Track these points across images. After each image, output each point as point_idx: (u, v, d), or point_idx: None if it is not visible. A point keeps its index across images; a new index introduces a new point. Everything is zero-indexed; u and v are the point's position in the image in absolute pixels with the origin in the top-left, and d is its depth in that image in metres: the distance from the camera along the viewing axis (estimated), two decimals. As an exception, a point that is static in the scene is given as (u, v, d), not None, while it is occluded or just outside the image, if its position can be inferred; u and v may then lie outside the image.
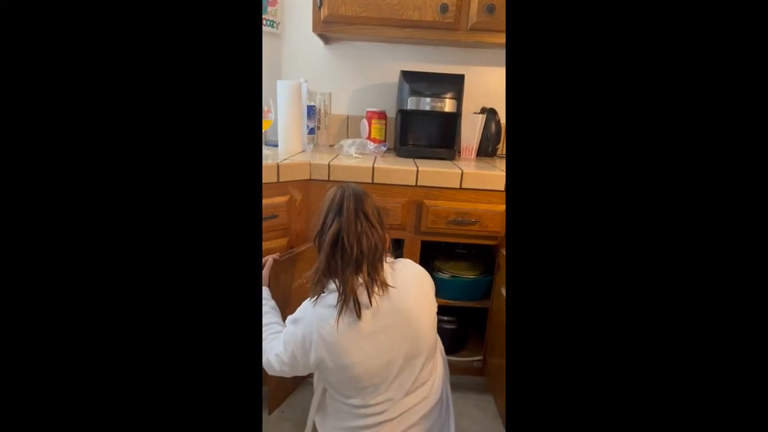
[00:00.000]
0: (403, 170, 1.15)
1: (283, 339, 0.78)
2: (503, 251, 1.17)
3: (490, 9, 1.24)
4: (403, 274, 0.77)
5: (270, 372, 0.80)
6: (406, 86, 1.33)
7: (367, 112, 1.48)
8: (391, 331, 0.72)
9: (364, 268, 0.71)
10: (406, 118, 1.40)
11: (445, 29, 1.28)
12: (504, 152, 1.58)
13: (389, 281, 0.73)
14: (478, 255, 1.40)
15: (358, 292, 0.71)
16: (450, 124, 1.40)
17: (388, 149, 1.48)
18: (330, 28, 1.30)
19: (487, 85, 1.56)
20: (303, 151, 1.33)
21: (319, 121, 1.50)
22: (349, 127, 1.60)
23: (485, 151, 1.49)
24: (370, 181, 1.15)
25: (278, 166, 1.08)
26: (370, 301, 0.70)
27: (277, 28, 1.52)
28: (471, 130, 1.42)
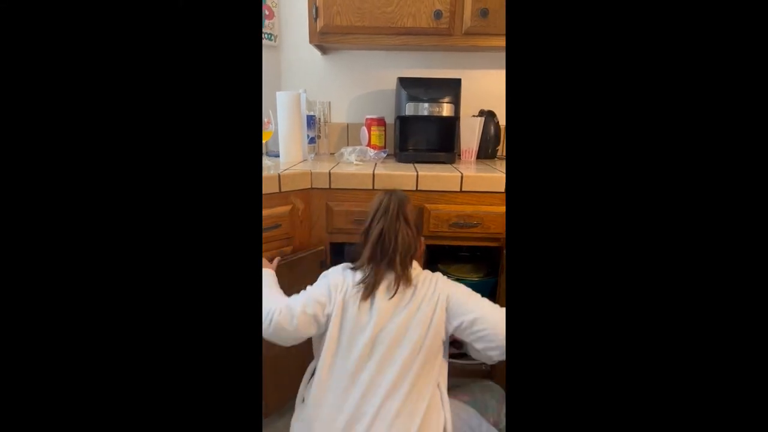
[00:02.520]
0: (403, 175, 1.15)
1: (306, 291, 0.87)
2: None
3: (484, 13, 1.26)
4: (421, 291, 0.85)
5: (264, 324, 0.82)
6: (404, 92, 1.34)
7: (366, 119, 1.50)
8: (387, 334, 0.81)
9: (397, 260, 0.84)
10: (404, 123, 1.41)
11: (440, 35, 1.29)
12: (504, 154, 1.59)
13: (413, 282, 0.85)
14: (482, 257, 1.40)
15: (383, 284, 0.84)
16: (449, 128, 1.41)
17: (388, 155, 1.49)
18: (326, 38, 1.32)
19: (484, 87, 1.57)
20: (304, 160, 1.35)
21: (320, 130, 1.52)
22: (349, 134, 1.62)
23: (485, 153, 1.50)
24: (371, 187, 1.16)
25: (279, 177, 1.09)
26: (396, 291, 0.83)
27: (274, 41, 1.55)
28: (470, 133, 1.43)
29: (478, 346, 0.80)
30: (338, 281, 0.86)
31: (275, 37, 1.54)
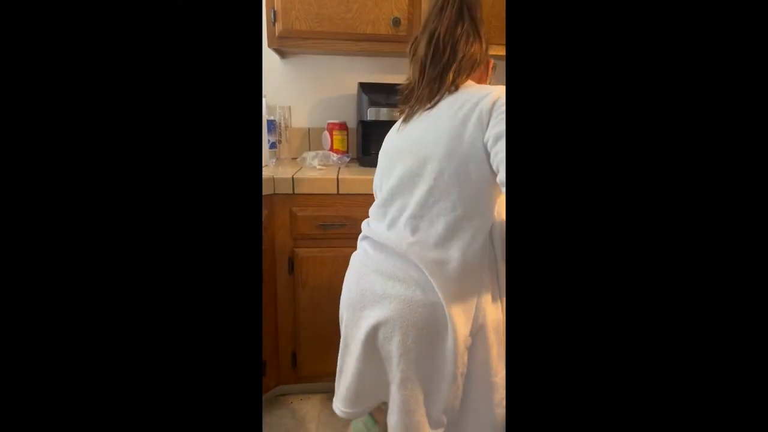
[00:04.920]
0: (367, 180, 1.16)
1: None
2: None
3: (440, 21, 1.30)
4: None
5: None
6: (365, 97, 1.35)
7: (328, 123, 1.50)
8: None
9: (450, 76, 0.64)
10: (366, 128, 1.42)
11: (398, 42, 1.32)
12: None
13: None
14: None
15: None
16: (410, 133, 1.44)
17: (351, 159, 1.50)
18: (285, 43, 1.30)
19: (442, 93, 1.61)
20: (265, 165, 1.32)
21: (280, 135, 1.50)
22: (310, 139, 1.61)
23: (445, 156, 1.54)
24: (336, 192, 1.16)
25: (241, 183, 1.07)
26: (435, 104, 0.65)
27: (231, 44, 1.51)
28: (430, 137, 1.46)
29: (499, 177, 0.58)
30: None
31: (231, 40, 1.51)
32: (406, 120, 0.71)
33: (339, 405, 0.77)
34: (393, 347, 0.67)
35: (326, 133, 1.49)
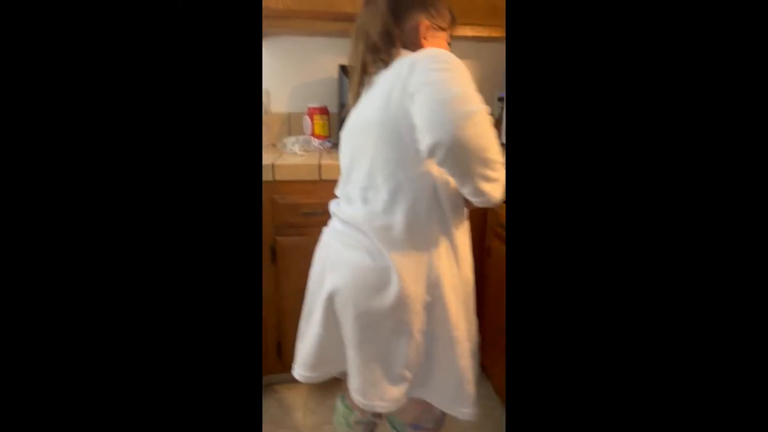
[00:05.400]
0: (350, 165, 1.14)
1: None
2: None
3: (423, 1, 1.26)
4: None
5: None
6: (346, 81, 1.31)
7: (309, 108, 1.45)
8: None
9: (378, 55, 0.71)
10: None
11: (380, 22, 1.28)
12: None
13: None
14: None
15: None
16: (393, 117, 1.41)
17: (333, 144, 1.46)
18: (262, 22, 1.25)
19: (425, 76, 1.58)
20: (244, 152, 1.28)
21: (259, 120, 1.45)
22: (291, 124, 1.56)
23: (429, 141, 1.52)
24: (318, 178, 1.13)
25: (218, 170, 1.03)
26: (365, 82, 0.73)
27: (204, 24, 1.44)
28: (414, 122, 1.44)
29: (418, 133, 0.60)
30: None
31: (204, 19, 1.44)
32: (354, 104, 0.78)
33: (299, 370, 0.80)
34: (348, 312, 0.71)
35: (307, 118, 1.45)
